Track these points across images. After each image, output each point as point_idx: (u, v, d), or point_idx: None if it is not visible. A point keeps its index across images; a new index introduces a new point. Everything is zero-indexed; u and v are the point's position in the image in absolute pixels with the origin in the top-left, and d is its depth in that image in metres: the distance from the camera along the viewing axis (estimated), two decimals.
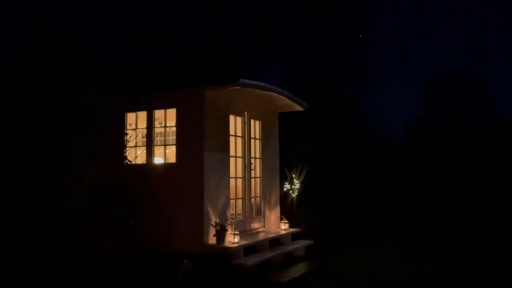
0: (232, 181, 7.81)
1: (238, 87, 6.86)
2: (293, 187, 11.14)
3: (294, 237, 8.66)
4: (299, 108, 9.06)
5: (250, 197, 8.20)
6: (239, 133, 8.11)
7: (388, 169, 16.87)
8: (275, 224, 8.98)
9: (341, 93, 17.94)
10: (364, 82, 19.70)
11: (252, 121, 8.44)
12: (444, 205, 14.45)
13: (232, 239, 6.96)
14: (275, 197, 9.13)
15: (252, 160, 8.37)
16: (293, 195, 11.10)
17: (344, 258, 8.39)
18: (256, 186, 8.52)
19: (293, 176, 11.21)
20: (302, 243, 8.40)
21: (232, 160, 7.83)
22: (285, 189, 11.01)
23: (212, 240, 6.94)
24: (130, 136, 7.74)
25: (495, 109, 18.92)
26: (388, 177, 16.54)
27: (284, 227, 8.62)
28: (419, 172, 16.64)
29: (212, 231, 6.94)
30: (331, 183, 14.55)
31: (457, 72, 19.61)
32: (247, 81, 6.90)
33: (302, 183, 11.34)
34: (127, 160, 7.66)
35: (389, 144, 18.57)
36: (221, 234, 6.85)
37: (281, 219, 8.77)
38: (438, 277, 6.95)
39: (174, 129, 7.43)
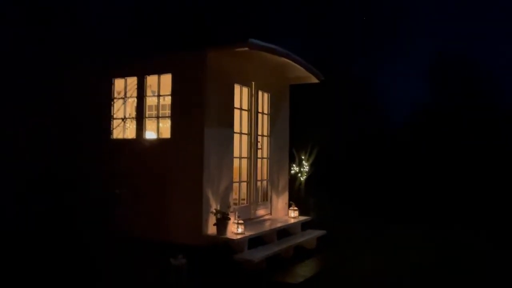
0: (236, 162, 6.73)
1: (247, 49, 5.70)
2: (301, 169, 10.07)
3: (303, 226, 7.64)
4: (314, 80, 7.91)
5: (256, 180, 7.13)
6: (245, 106, 6.99)
7: (397, 153, 15.91)
8: (283, 211, 7.95)
9: (349, 71, 16.89)
10: (371, 63, 18.65)
11: (260, 93, 7.30)
12: (453, 193, 13.57)
13: (235, 229, 5.93)
14: (283, 180, 8.07)
15: (259, 138, 7.27)
16: (301, 179, 10.05)
17: (359, 251, 7.39)
18: (263, 167, 7.44)
19: (302, 157, 10.14)
20: (314, 234, 7.38)
21: (236, 137, 6.73)
22: (292, 171, 9.94)
23: (211, 230, 5.90)
24: (123, 104, 6.62)
25: (502, 93, 18.10)
26: (396, 161, 15.61)
27: (293, 215, 7.59)
28: (426, 157, 15.77)
29: (212, 220, 5.89)
30: (342, 165, 13.49)
31: (465, 55, 18.74)
32: (258, 42, 5.74)
33: (311, 166, 10.27)
34: (112, 134, 6.59)
35: (395, 126, 17.66)
36: (222, 223, 5.81)
37: (290, 205, 7.73)
38: (459, 273, 5.96)
39: (169, 98, 6.29)
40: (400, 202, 12.66)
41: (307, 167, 10.14)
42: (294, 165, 10.07)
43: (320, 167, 10.83)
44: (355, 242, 8.06)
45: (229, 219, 5.85)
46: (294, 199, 8.25)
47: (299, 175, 10.05)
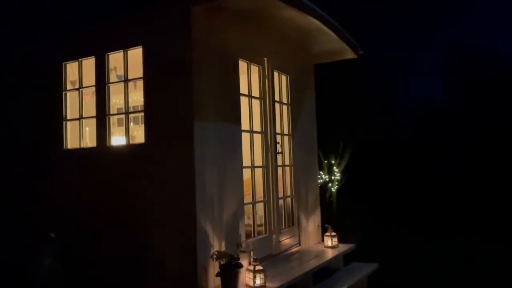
0: (246, 173, 4.57)
1: None
2: (332, 178, 7.87)
3: (345, 257, 5.46)
4: (350, 55, 5.76)
5: (277, 198, 4.96)
6: (255, 92, 4.86)
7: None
8: (315, 237, 5.77)
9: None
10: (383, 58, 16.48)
11: (276, 74, 5.17)
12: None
13: (250, 280, 3.77)
14: (313, 194, 5.88)
15: (278, 138, 5.12)
16: (332, 190, 7.85)
17: None
18: (285, 179, 5.27)
19: (332, 162, 7.94)
20: (363, 271, 5.17)
21: (245, 137, 4.58)
22: (321, 181, 7.75)
23: (214, 282, 3.75)
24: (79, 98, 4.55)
25: None
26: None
27: (331, 244, 5.40)
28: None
29: (215, 267, 3.75)
30: (375, 171, 11.20)
31: (480, 52, 16.45)
32: None
33: (343, 173, 8.07)
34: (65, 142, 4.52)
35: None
36: (230, 272, 3.65)
37: (325, 229, 5.55)
38: None
39: (141, 83, 4.19)
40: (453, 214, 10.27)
41: (339, 175, 7.94)
42: (321, 173, 7.89)
43: (352, 173, 8.62)
44: (419, 278, 5.80)
45: (241, 265, 3.69)
46: (325, 218, 6.08)
47: (330, 185, 7.84)
